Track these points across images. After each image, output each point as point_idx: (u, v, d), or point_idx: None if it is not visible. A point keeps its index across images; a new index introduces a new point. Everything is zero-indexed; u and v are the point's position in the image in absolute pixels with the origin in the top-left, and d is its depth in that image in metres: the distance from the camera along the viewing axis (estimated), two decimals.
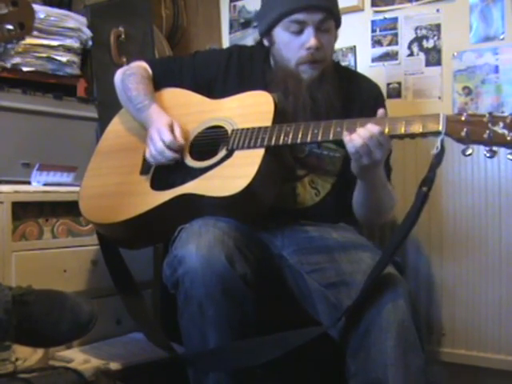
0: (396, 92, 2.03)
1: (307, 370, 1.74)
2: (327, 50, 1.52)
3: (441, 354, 1.89)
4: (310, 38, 1.47)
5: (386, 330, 1.23)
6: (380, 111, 1.32)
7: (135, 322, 1.60)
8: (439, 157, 1.20)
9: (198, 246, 1.28)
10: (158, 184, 1.47)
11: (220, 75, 1.61)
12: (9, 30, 1.70)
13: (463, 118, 1.19)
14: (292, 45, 1.50)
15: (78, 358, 1.59)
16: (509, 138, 1.15)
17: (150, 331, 1.56)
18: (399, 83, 2.02)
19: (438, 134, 1.21)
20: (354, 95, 1.57)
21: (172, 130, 1.45)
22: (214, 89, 1.59)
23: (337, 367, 1.38)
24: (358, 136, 1.26)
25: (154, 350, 1.58)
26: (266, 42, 1.59)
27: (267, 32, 1.55)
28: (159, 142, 1.44)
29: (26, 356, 1.51)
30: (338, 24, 1.56)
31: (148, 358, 1.64)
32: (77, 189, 1.62)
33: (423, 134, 1.24)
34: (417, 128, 1.23)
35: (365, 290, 1.25)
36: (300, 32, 1.49)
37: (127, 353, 1.67)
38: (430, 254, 1.93)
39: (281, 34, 1.52)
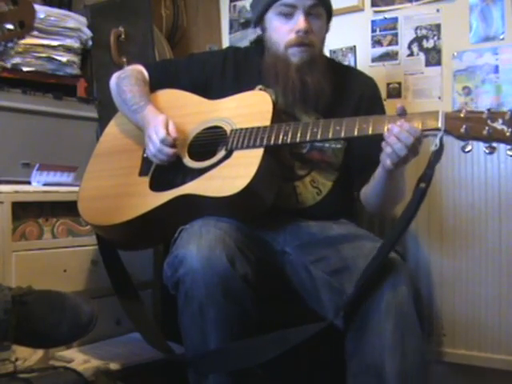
0: (396, 92, 2.02)
1: (308, 371, 1.74)
2: (317, 36, 1.52)
3: (441, 354, 1.89)
4: (299, 21, 1.48)
5: (385, 314, 1.24)
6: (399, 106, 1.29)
7: (133, 325, 1.60)
8: (438, 154, 1.21)
9: (199, 247, 1.28)
10: (157, 185, 1.47)
11: (216, 76, 1.62)
12: (9, 28, 1.70)
13: (462, 115, 1.19)
14: (282, 29, 1.51)
15: (78, 358, 1.59)
16: (508, 134, 1.15)
17: (149, 334, 1.56)
18: (399, 83, 2.02)
19: (437, 131, 1.21)
20: (349, 87, 1.58)
21: (166, 127, 1.45)
22: (210, 90, 1.60)
23: (338, 367, 1.38)
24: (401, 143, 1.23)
25: (153, 350, 1.58)
26: (259, 30, 1.60)
27: (260, 18, 1.57)
28: (156, 140, 1.45)
29: (26, 356, 1.51)
30: (329, 16, 1.57)
31: (148, 358, 1.64)
32: (77, 189, 1.62)
33: (423, 131, 1.24)
34: (416, 125, 1.23)
35: (360, 285, 1.25)
36: (290, 16, 1.50)
37: (127, 353, 1.67)
38: (429, 251, 1.93)
39: (272, 19, 1.53)
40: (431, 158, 1.21)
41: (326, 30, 1.59)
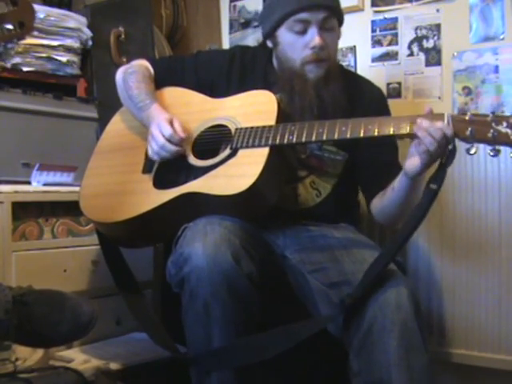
0: (396, 92, 2.03)
1: (309, 370, 1.74)
2: (331, 49, 1.52)
3: (441, 354, 1.89)
4: (314, 37, 1.47)
5: (389, 330, 1.23)
6: (427, 109, 1.28)
7: (137, 322, 1.60)
8: (451, 155, 1.22)
9: (205, 245, 1.27)
10: (161, 183, 1.47)
11: (222, 76, 1.61)
12: (8, 29, 1.70)
13: (467, 118, 1.20)
14: (296, 45, 1.50)
15: (78, 358, 1.59)
16: None
17: (153, 330, 1.55)
18: (399, 83, 2.02)
19: None
20: (357, 98, 1.57)
21: (172, 125, 1.45)
22: (216, 89, 1.59)
23: (338, 367, 1.38)
24: (434, 139, 1.22)
25: (154, 350, 1.58)
26: (269, 44, 1.58)
27: (271, 33, 1.55)
28: (160, 136, 1.44)
29: (26, 356, 1.51)
30: (340, 22, 1.56)
31: (148, 358, 1.64)
32: (77, 189, 1.62)
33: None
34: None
35: (363, 286, 1.25)
36: (304, 32, 1.48)
37: (127, 353, 1.67)
38: (429, 253, 1.93)
39: (285, 35, 1.51)
40: (443, 160, 1.22)
41: (338, 36, 1.57)
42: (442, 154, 1.25)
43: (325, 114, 1.46)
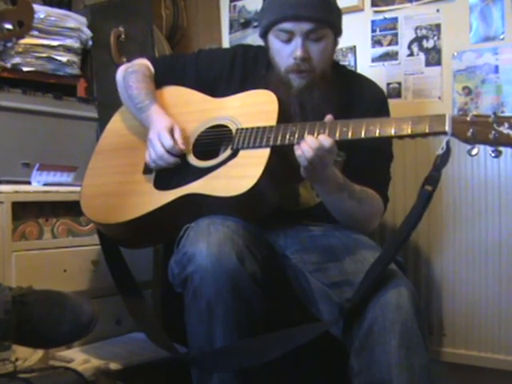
0: (396, 92, 2.02)
1: (310, 370, 1.74)
2: (317, 60, 1.48)
3: (441, 354, 1.89)
4: (296, 48, 1.46)
5: (389, 330, 1.23)
6: (328, 117, 1.33)
7: (136, 322, 1.60)
8: (445, 157, 1.20)
9: (209, 244, 1.27)
10: (162, 184, 1.46)
11: (224, 76, 1.60)
12: (8, 28, 1.70)
13: (468, 119, 1.19)
14: (282, 52, 1.49)
15: (78, 358, 1.59)
16: None
17: (152, 331, 1.55)
18: (399, 83, 2.02)
19: (444, 134, 1.21)
20: (356, 99, 1.55)
21: (172, 134, 1.45)
22: (216, 89, 1.59)
23: (339, 367, 1.38)
24: (309, 148, 1.28)
25: (154, 350, 1.58)
26: (265, 45, 1.58)
27: (263, 37, 1.56)
28: (159, 146, 1.44)
29: (26, 356, 1.51)
30: (336, 31, 1.54)
31: (148, 358, 1.64)
32: (77, 189, 1.62)
33: (428, 135, 1.24)
34: (423, 128, 1.23)
35: (362, 291, 1.25)
36: (289, 40, 1.47)
37: (127, 353, 1.67)
38: (429, 253, 1.93)
39: (272, 41, 1.51)
40: (437, 161, 1.21)
41: (335, 45, 1.55)
42: (323, 163, 1.29)
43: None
